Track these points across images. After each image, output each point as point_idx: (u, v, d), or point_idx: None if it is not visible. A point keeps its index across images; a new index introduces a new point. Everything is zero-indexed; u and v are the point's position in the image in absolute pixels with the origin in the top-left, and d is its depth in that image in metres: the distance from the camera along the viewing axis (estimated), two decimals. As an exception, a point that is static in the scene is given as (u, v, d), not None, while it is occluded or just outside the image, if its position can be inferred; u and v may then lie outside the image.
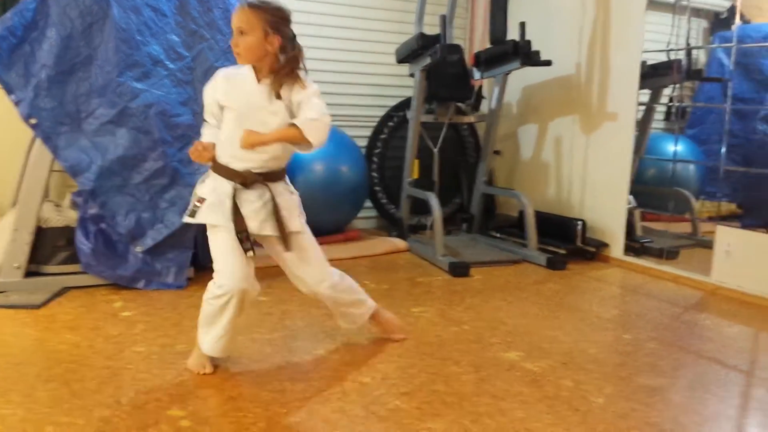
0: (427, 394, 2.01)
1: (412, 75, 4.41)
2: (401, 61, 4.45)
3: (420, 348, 2.43)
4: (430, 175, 4.55)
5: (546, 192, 4.75)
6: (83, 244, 2.98)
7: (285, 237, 2.12)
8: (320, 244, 4.05)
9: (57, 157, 2.94)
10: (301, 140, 1.94)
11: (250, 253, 2.07)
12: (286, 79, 2.00)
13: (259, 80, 2.02)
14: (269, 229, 2.09)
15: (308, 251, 2.24)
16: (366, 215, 4.93)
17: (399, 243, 4.33)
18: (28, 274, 3.00)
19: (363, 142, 4.86)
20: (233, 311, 2.06)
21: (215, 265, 2.08)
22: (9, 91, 2.89)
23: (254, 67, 2.03)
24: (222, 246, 2.06)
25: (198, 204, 2.07)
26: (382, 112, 4.92)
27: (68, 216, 3.09)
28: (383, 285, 3.38)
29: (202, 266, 3.44)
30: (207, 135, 2.12)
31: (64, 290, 3.00)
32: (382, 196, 4.89)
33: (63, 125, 2.92)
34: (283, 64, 2.00)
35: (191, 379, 2.09)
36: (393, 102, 4.93)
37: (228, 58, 3.12)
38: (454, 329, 2.66)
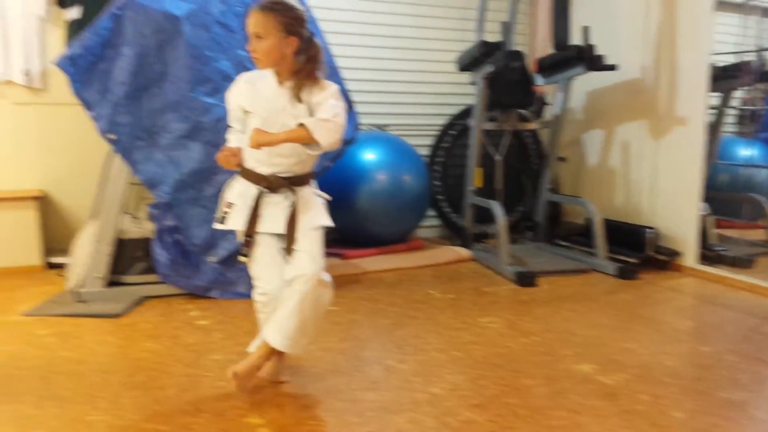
0: (499, 407, 2.00)
1: (473, 83, 4.40)
2: (463, 69, 4.45)
3: (489, 359, 2.42)
4: (493, 183, 4.52)
5: (613, 199, 4.65)
6: (160, 255, 3.09)
7: (293, 238, 2.04)
8: (384, 253, 4.20)
9: (134, 170, 3.06)
10: (309, 140, 1.90)
11: (243, 258, 2.10)
12: (305, 81, 2.00)
13: (280, 83, 2.02)
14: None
15: (314, 245, 2.08)
16: (429, 224, 4.94)
17: (463, 252, 4.33)
18: (109, 284, 3.13)
19: (425, 151, 4.87)
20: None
21: (254, 272, 2.12)
22: (88, 107, 3.02)
23: (275, 71, 2.02)
24: (258, 256, 2.09)
25: (227, 210, 2.09)
26: (443, 121, 4.93)
27: (145, 228, 3.21)
28: (448, 294, 3.38)
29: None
30: (233, 140, 2.12)
31: (143, 299, 3.12)
32: (444, 205, 4.90)
33: (139, 140, 3.04)
34: (302, 66, 1.99)
35: (267, 387, 2.13)
36: (454, 110, 4.93)
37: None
38: (524, 340, 2.64)
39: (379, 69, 4.78)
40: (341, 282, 3.59)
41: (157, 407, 1.97)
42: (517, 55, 4.35)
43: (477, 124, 4.36)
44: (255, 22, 1.95)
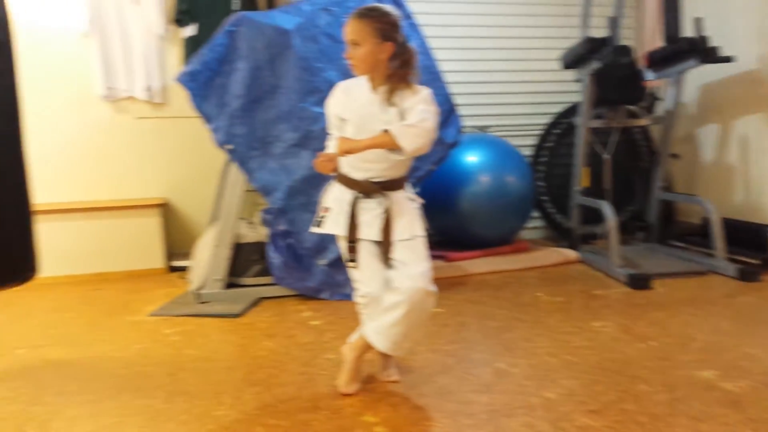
0: (617, 413, 1.95)
1: (579, 80, 4.30)
2: (568, 66, 4.35)
3: (604, 364, 2.36)
4: (601, 183, 4.39)
5: (732, 197, 4.41)
6: (274, 258, 3.23)
7: (388, 245, 2.07)
8: (488, 255, 4.18)
9: (250, 179, 3.21)
10: (393, 146, 1.91)
11: (351, 264, 2.11)
12: (397, 85, 2.00)
13: (373, 89, 2.04)
14: (395, 235, 2.08)
15: (416, 253, 2.09)
16: (533, 226, 4.87)
17: (570, 254, 4.23)
18: (227, 285, 3.31)
19: (528, 151, 4.81)
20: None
21: (354, 275, 2.16)
22: (207, 120, 3.20)
23: (370, 77, 2.04)
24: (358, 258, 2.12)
25: (323, 214, 2.15)
26: (547, 120, 4.85)
27: (260, 232, 3.36)
28: (557, 297, 3.33)
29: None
30: (330, 147, 2.16)
31: (259, 300, 3.27)
32: (549, 205, 4.81)
33: (254, 149, 3.19)
34: (395, 71, 1.99)
35: (379, 387, 2.18)
36: (558, 109, 4.84)
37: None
38: (640, 345, 2.55)
39: (480, 71, 4.77)
40: (445, 284, 3.60)
41: (277, 404, 2.07)
42: (625, 50, 4.22)
43: (583, 122, 4.26)
44: (351, 29, 1.98)
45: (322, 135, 3.12)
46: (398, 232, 2.06)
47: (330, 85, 3.12)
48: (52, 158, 4.07)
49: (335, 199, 2.13)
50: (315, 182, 3.19)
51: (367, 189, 2.07)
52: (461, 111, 3.53)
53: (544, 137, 4.83)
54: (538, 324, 2.87)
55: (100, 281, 3.92)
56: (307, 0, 3.24)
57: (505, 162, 4.27)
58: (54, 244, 3.63)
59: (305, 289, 3.28)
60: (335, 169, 2.10)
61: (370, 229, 2.07)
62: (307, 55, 3.14)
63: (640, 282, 3.44)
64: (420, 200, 2.21)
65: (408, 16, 3.31)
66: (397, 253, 2.05)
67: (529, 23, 4.86)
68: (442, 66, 3.41)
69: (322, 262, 3.26)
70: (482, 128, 4.63)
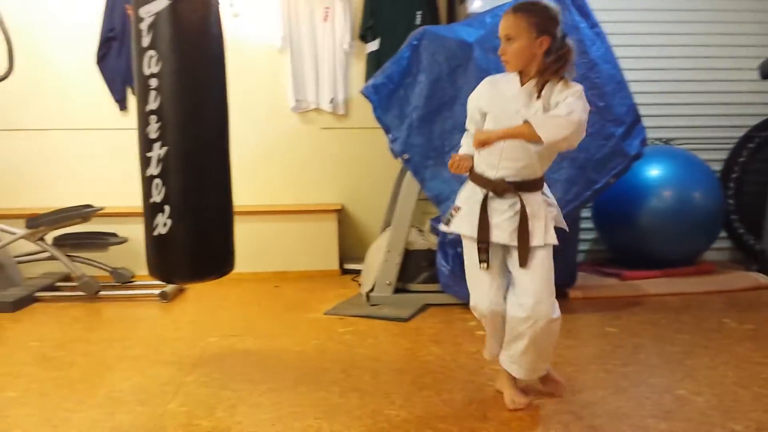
0: (819, 457, 1.76)
1: (780, 91, 3.93)
2: (767, 76, 3.99)
3: (804, 402, 2.13)
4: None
5: None
6: (443, 266, 3.28)
7: (524, 251, 1.99)
8: (667, 276, 3.93)
9: (423, 187, 3.30)
10: (532, 137, 1.85)
11: (484, 265, 2.01)
12: (549, 78, 1.91)
13: (522, 84, 1.97)
14: (516, 240, 2.00)
15: (539, 273, 2.02)
16: (720, 246, 4.50)
17: (762, 279, 3.86)
18: (397, 290, 3.41)
19: (717, 166, 4.46)
20: (489, 329, 2.12)
21: (468, 282, 2.10)
22: (387, 130, 3.34)
23: (521, 72, 1.97)
24: (472, 264, 2.07)
25: (453, 213, 2.09)
26: (740, 133, 4.47)
27: (430, 240, 3.43)
28: (746, 324, 3.06)
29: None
30: (465, 146, 2.12)
31: (426, 306, 3.34)
32: (738, 225, 4.42)
33: (429, 159, 3.27)
34: (549, 64, 1.91)
35: (550, 404, 2.14)
36: (754, 121, 4.44)
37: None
38: None
39: (666, 80, 4.50)
40: (620, 304, 3.46)
41: (446, 408, 2.10)
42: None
43: (784, 136, 3.88)
44: (507, 23, 1.94)
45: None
46: (531, 237, 1.99)
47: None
48: (245, 164, 4.44)
49: (467, 198, 2.08)
50: (487, 192, 3.21)
51: (500, 188, 2.00)
52: (645, 122, 3.36)
53: (736, 151, 4.46)
54: (724, 351, 2.66)
55: (280, 279, 4.22)
56: (489, 12, 3.28)
57: (691, 176, 4.00)
58: (242, 243, 3.95)
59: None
60: (469, 168, 2.05)
61: (499, 231, 2.00)
62: (488, 66, 3.16)
63: None
64: (554, 203, 2.13)
65: (595, 24, 3.23)
66: (520, 269, 2.00)
67: (721, 30, 4.51)
68: (628, 75, 3.28)
69: (491, 272, 3.26)
70: (667, 140, 4.38)
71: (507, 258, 2.06)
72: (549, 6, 1.96)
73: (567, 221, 3.21)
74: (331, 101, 4.46)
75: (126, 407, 2.14)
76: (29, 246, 3.85)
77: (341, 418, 2.04)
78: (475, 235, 2.02)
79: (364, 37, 4.42)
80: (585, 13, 3.23)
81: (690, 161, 4.09)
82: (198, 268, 2.35)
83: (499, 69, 3.12)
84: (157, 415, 2.08)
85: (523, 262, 1.99)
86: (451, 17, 4.49)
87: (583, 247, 4.37)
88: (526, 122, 1.87)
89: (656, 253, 4.02)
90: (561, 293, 3.54)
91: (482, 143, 1.92)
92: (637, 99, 3.31)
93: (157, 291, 3.64)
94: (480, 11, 3.67)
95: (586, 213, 4.05)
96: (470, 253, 2.07)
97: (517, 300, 2.01)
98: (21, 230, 3.62)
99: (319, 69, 4.47)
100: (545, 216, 2.03)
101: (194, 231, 2.26)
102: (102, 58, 4.35)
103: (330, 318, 3.24)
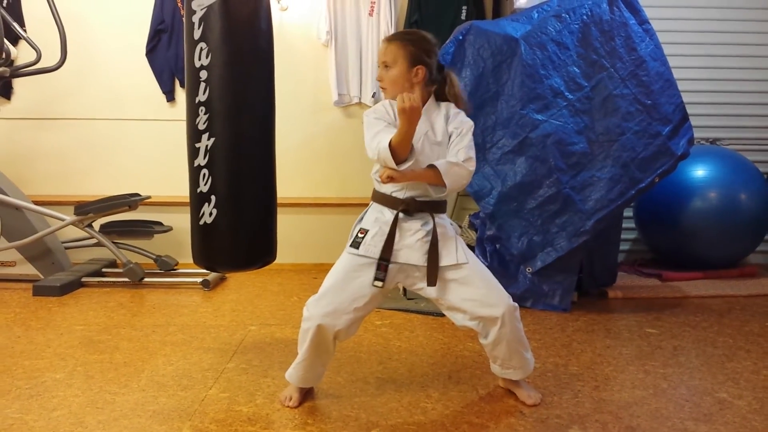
0: None
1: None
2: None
3: None
4: None
5: None
6: (481, 261, 3.26)
7: (433, 271, 1.96)
8: (709, 278, 3.86)
9: (464, 183, 3.29)
10: (437, 181, 1.89)
11: (378, 283, 1.97)
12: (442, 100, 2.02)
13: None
14: (441, 260, 1.97)
15: (474, 277, 2.01)
16: (764, 249, 4.39)
17: (810, 284, 3.77)
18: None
19: (765, 168, 4.34)
20: (309, 342, 2.02)
21: (322, 286, 2.06)
22: (431, 126, 3.33)
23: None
24: (337, 275, 2.03)
25: (360, 236, 2.03)
26: (791, 134, 4.36)
27: (468, 236, 3.43)
28: (794, 331, 2.99)
29: (585, 291, 3.50)
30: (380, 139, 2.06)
31: (464, 302, 3.34)
32: (787, 228, 4.31)
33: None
34: (435, 91, 2.01)
35: (588, 402, 2.13)
36: (806, 121, 4.32)
37: (627, 86, 3.13)
38: None
39: (715, 79, 4.41)
40: (660, 305, 3.41)
41: (483, 404, 2.11)
42: None
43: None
44: (383, 51, 2.01)
45: (540, 142, 3.14)
46: (445, 257, 1.98)
47: (553, 92, 3.15)
48: (288, 157, 4.49)
49: (375, 220, 2.04)
50: (527, 189, 3.20)
51: (411, 207, 1.99)
52: (692, 121, 3.30)
53: (785, 153, 4.35)
54: (767, 356, 2.61)
55: (318, 271, 4.25)
56: (536, 7, 3.26)
57: (737, 177, 3.91)
58: (283, 234, 4.00)
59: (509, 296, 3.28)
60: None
61: (410, 251, 1.98)
62: (533, 62, 3.15)
63: None
64: (457, 227, 2.14)
65: (644, 21, 3.19)
66: (463, 294, 1.99)
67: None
68: (676, 73, 3.23)
69: (530, 270, 3.25)
70: (714, 140, 4.29)
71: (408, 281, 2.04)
72: (425, 37, 2.03)
73: (609, 220, 3.21)
74: (374, 96, 4.47)
75: (168, 391, 2.20)
76: (77, 232, 3.97)
77: (378, 409, 2.06)
78: (378, 255, 1.98)
79: (409, 30, 4.43)
80: (635, 9, 3.19)
81: (737, 162, 4.00)
82: (241, 257, 2.39)
83: (545, 65, 3.15)
84: (198, 399, 2.13)
85: (431, 281, 1.98)
86: (497, 12, 4.46)
87: (623, 247, 4.31)
88: (432, 167, 1.89)
89: (699, 255, 3.96)
90: (601, 293, 3.55)
91: (390, 179, 1.88)
92: (685, 98, 3.26)
93: (199, 279, 3.72)
94: (526, 6, 3.64)
95: (627, 212, 4.00)
96: (340, 266, 2.05)
97: (474, 314, 2.01)
98: (69, 217, 3.72)
99: (362, 63, 4.48)
100: (451, 236, 2.03)
101: (238, 221, 2.30)
102: (151, 51, 4.44)
103: (367, 310, 3.26)
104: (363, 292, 2.00)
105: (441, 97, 2.04)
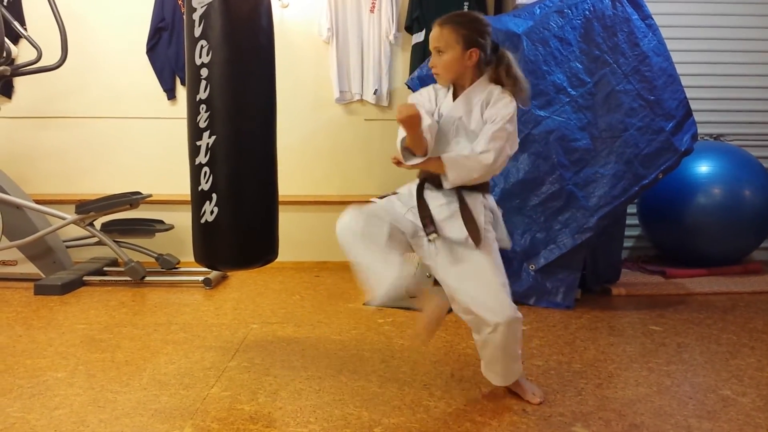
0: None
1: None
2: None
3: None
4: None
5: None
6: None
7: (475, 235, 1.92)
8: (713, 275, 3.84)
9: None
10: (442, 172, 1.90)
11: (434, 236, 1.94)
12: (490, 83, 1.97)
13: (455, 97, 1.99)
14: (448, 231, 1.95)
15: (482, 273, 1.96)
16: (768, 246, 4.38)
17: (815, 280, 3.75)
18: (436, 282, 3.39)
19: (770, 164, 4.34)
20: (349, 242, 2.02)
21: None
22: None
23: (455, 85, 2.00)
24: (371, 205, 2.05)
25: (390, 194, 2.08)
26: (795, 130, 4.34)
27: (471, 233, 3.41)
28: (797, 327, 2.97)
29: (589, 288, 3.48)
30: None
31: (466, 300, 3.32)
32: (791, 225, 4.29)
33: (473, 151, 3.25)
34: (489, 72, 1.97)
35: (592, 400, 2.12)
36: (810, 117, 4.30)
37: (630, 81, 3.11)
38: None
39: (719, 74, 4.38)
40: (663, 302, 3.40)
41: (486, 402, 2.10)
42: None
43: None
44: (435, 36, 1.97)
45: (543, 138, 3.13)
46: (451, 230, 1.95)
47: (556, 88, 3.14)
48: (290, 155, 4.48)
49: (408, 189, 2.08)
50: (530, 186, 3.19)
51: (437, 182, 1.99)
52: (696, 117, 3.28)
53: (790, 148, 4.33)
54: (773, 354, 2.60)
55: (320, 269, 4.25)
56: (538, 3, 3.24)
57: (741, 173, 3.89)
58: (285, 232, 3.99)
59: (512, 293, 3.23)
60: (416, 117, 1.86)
61: (441, 221, 1.97)
62: (535, 58, 3.13)
63: None
64: (498, 211, 2.08)
65: (647, 16, 3.17)
66: (462, 282, 1.95)
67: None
68: (679, 69, 3.21)
69: (533, 267, 3.23)
70: (718, 136, 4.27)
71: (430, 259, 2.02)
72: (478, 18, 1.99)
73: (612, 217, 3.20)
74: (375, 92, 4.45)
75: (170, 390, 2.19)
76: (78, 231, 3.96)
77: (381, 407, 2.05)
78: (403, 209, 2.01)
79: (410, 28, 4.39)
80: (637, 4, 3.17)
81: (741, 158, 3.98)
82: (242, 255, 2.38)
83: (548, 61, 3.13)
84: (200, 398, 2.12)
85: (478, 242, 1.93)
86: (499, 8, 4.44)
87: (627, 243, 4.29)
88: (439, 158, 1.90)
89: (702, 252, 3.94)
90: (604, 290, 3.53)
91: (398, 163, 1.95)
92: (688, 93, 3.24)
93: (200, 277, 3.71)
94: (528, 2, 3.62)
95: (631, 209, 3.98)
96: (392, 203, 2.06)
97: (469, 310, 1.97)
98: (71, 215, 3.72)
99: (364, 60, 4.46)
100: (480, 216, 1.97)
101: (240, 219, 2.30)
102: (152, 49, 4.42)
103: (369, 309, 3.25)
104: (398, 216, 2.01)
105: (496, 80, 1.99)
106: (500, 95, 1.95)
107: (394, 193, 2.09)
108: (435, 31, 1.98)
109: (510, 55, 2.01)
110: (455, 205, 1.96)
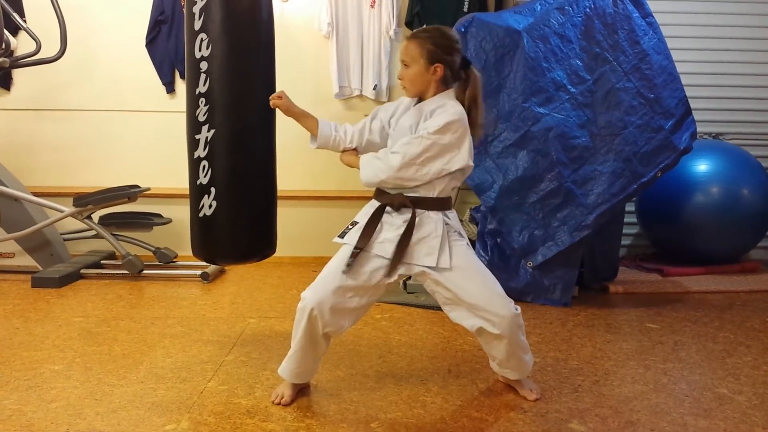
0: None
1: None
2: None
3: None
4: None
5: None
6: (482, 256, 3.27)
7: (394, 264, 1.94)
8: (710, 273, 3.85)
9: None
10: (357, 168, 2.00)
11: (345, 269, 1.93)
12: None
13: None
14: (416, 260, 1.95)
15: (468, 284, 1.98)
16: (767, 245, 4.37)
17: (811, 280, 3.76)
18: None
19: (768, 163, 4.34)
20: (302, 330, 1.97)
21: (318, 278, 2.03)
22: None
23: (420, 99, 2.02)
24: (330, 264, 2.02)
25: (350, 227, 2.04)
26: (794, 129, 4.34)
27: (469, 229, 3.41)
28: (794, 326, 2.98)
29: (586, 286, 3.49)
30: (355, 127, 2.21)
31: (464, 296, 3.33)
32: (789, 223, 4.30)
33: (473, 148, 3.24)
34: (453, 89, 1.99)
35: (587, 397, 2.13)
36: (809, 117, 4.30)
37: (630, 79, 3.11)
38: None
39: (718, 73, 4.38)
40: (661, 300, 3.41)
41: (482, 398, 2.10)
42: None
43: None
44: (402, 50, 2.00)
45: (542, 135, 3.13)
46: (424, 257, 1.94)
47: (556, 85, 3.13)
48: (289, 149, 4.46)
49: (365, 214, 2.04)
50: (529, 183, 3.19)
51: (396, 202, 1.97)
52: (695, 115, 3.28)
53: (788, 148, 4.33)
54: (767, 351, 2.60)
55: (318, 264, 4.20)
56: (539, 0, 3.23)
57: (740, 173, 3.90)
58: (283, 227, 3.99)
59: (509, 290, 3.22)
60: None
61: (387, 244, 1.95)
62: (536, 55, 3.12)
63: None
64: (466, 237, 2.06)
65: (647, 14, 3.17)
66: (449, 294, 1.97)
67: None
68: (679, 67, 3.22)
69: (530, 264, 3.23)
70: (717, 135, 4.27)
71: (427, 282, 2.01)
72: (446, 34, 1.99)
73: (611, 215, 3.20)
74: (375, 88, 4.45)
75: (167, 383, 2.19)
76: (76, 224, 3.96)
77: (378, 402, 2.06)
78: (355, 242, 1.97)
79: (411, 23, 4.38)
80: (638, 2, 3.17)
81: (739, 157, 3.99)
82: (240, 250, 2.37)
83: (548, 58, 3.12)
84: (197, 392, 2.12)
85: (390, 273, 1.95)
86: (500, 4, 4.43)
87: (625, 241, 4.29)
88: (358, 156, 2.04)
89: (700, 250, 3.95)
90: (602, 287, 3.54)
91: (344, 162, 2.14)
92: (687, 92, 3.24)
93: (198, 271, 3.71)
94: (529, -1, 3.62)
95: (629, 207, 3.98)
96: (337, 257, 2.03)
97: (469, 320, 1.99)
98: (68, 208, 3.71)
99: (363, 55, 4.46)
100: (443, 236, 1.95)
101: (238, 213, 2.29)
102: (151, 42, 4.41)
103: (367, 304, 3.25)
104: (366, 276, 1.98)
105: (462, 100, 1.98)
106: (442, 109, 1.93)
107: (354, 223, 2.04)
108: (403, 44, 2.02)
109: (479, 78, 2.00)
110: (403, 228, 1.95)
